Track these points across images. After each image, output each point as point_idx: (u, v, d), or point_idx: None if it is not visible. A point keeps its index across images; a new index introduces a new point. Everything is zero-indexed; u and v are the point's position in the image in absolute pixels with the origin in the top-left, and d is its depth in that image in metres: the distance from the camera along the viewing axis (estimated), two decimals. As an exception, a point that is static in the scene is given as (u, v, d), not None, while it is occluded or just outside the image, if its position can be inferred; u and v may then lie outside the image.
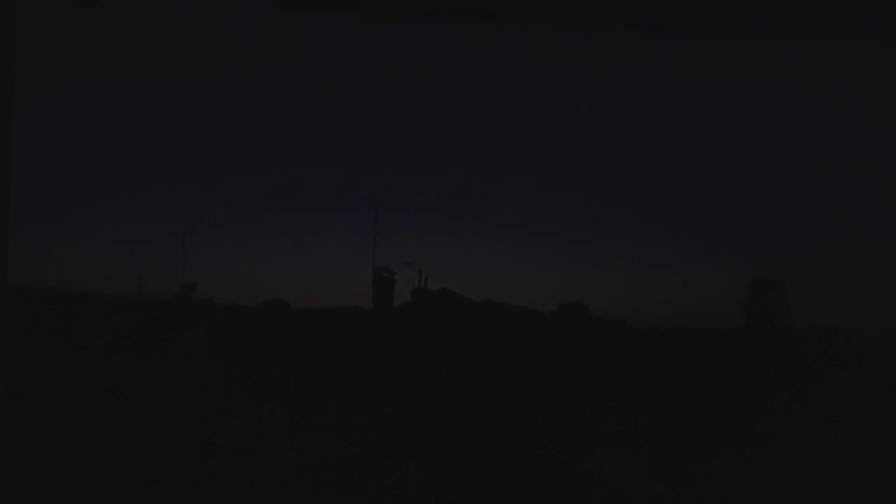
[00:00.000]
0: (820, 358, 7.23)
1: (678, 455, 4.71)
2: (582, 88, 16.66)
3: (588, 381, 6.43)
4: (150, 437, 4.46)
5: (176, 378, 5.68)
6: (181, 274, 11.52)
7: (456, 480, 4.03)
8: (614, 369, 6.88)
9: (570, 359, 6.97)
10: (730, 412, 5.77)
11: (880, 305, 9.13)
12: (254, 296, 10.38)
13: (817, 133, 16.38)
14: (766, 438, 5.17)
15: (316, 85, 16.66)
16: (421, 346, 6.83)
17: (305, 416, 5.09)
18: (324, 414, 5.19)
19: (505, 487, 3.98)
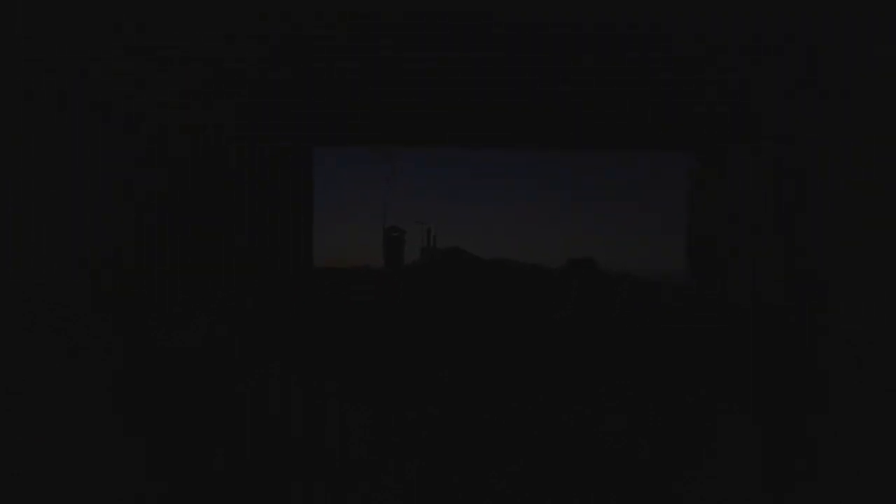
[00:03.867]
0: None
1: (679, 454, 4.72)
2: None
3: (589, 380, 6.43)
4: (150, 437, 4.46)
5: (176, 376, 5.68)
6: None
7: (458, 481, 4.03)
8: (615, 369, 6.88)
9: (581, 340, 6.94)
10: (729, 412, 5.78)
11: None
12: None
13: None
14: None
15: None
16: (428, 325, 6.79)
17: (305, 418, 5.09)
18: (325, 414, 5.19)
19: (507, 488, 3.98)
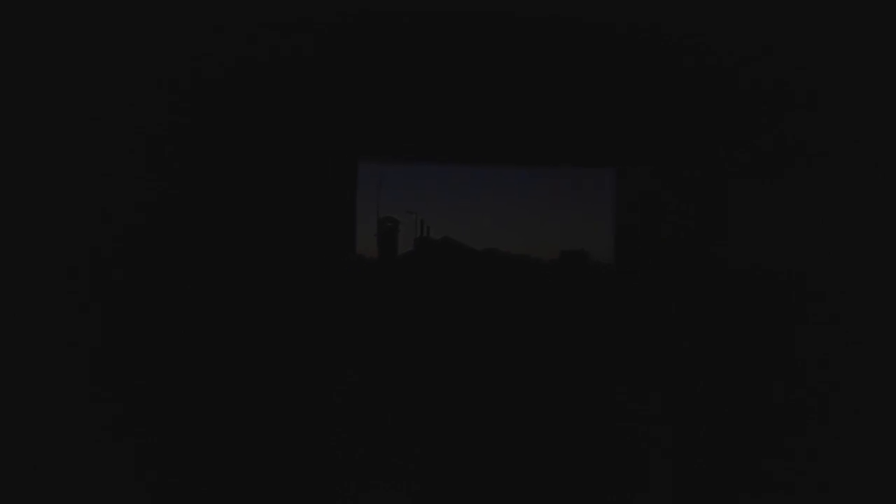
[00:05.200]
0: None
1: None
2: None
3: (588, 381, 6.43)
4: (150, 436, 4.48)
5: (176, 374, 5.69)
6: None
7: (457, 483, 4.04)
8: (615, 373, 6.86)
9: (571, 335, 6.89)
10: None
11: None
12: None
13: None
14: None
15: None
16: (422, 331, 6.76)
17: (303, 420, 5.09)
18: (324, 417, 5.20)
19: (507, 488, 3.98)
